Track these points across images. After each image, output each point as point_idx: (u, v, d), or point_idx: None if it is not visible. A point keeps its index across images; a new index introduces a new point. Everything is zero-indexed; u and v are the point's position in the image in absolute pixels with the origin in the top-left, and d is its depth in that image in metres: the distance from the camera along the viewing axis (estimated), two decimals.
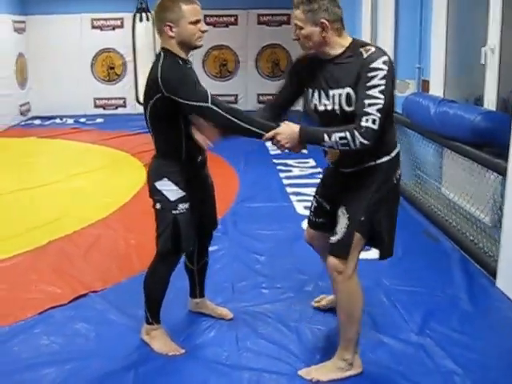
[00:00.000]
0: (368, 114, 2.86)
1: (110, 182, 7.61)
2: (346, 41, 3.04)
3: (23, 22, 13.32)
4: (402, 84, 6.85)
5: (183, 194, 3.36)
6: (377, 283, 4.32)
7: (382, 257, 3.28)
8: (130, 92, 12.65)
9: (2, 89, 11.91)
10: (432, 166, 6.06)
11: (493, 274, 4.38)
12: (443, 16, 6.02)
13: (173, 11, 3.24)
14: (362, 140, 2.85)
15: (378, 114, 2.84)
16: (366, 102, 2.86)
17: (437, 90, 6.22)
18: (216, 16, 13.42)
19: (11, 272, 4.72)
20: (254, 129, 3.10)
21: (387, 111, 2.93)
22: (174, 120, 3.30)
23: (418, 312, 3.90)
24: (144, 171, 7.81)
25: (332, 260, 3.12)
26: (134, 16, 10.31)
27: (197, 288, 3.92)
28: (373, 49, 2.95)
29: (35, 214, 6.30)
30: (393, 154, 3.10)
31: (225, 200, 6.05)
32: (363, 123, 2.86)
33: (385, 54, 2.93)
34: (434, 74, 6.33)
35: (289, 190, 6.97)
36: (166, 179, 3.35)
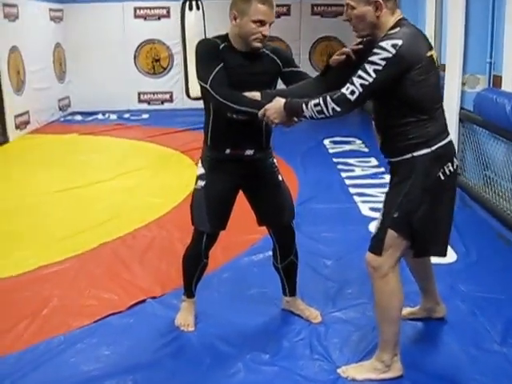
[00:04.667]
0: (352, 83, 2.95)
1: (161, 181, 7.61)
2: (393, 21, 3.05)
3: (60, 10, 13.33)
4: (472, 79, 6.84)
5: (203, 171, 3.72)
6: (452, 289, 4.34)
7: (417, 256, 3.35)
8: (176, 86, 12.69)
9: (39, 82, 11.82)
10: (505, 166, 6.05)
11: None
12: None
13: (243, 2, 3.39)
14: (335, 106, 2.98)
15: (360, 89, 2.93)
16: (357, 72, 2.94)
17: (510, 85, 6.19)
18: None
19: (62, 277, 4.70)
20: (247, 109, 3.33)
21: (414, 99, 2.98)
22: (206, 106, 3.58)
23: (498, 320, 3.89)
24: (195, 169, 7.93)
25: (367, 255, 3.24)
26: (183, 4, 10.29)
27: (286, 286, 4.06)
28: (396, 30, 2.97)
29: (84, 214, 6.31)
30: (434, 147, 3.06)
31: None
32: (342, 90, 2.96)
33: (401, 38, 2.90)
34: (507, 69, 6.29)
35: (352, 190, 6.95)
36: (200, 160, 3.77)
